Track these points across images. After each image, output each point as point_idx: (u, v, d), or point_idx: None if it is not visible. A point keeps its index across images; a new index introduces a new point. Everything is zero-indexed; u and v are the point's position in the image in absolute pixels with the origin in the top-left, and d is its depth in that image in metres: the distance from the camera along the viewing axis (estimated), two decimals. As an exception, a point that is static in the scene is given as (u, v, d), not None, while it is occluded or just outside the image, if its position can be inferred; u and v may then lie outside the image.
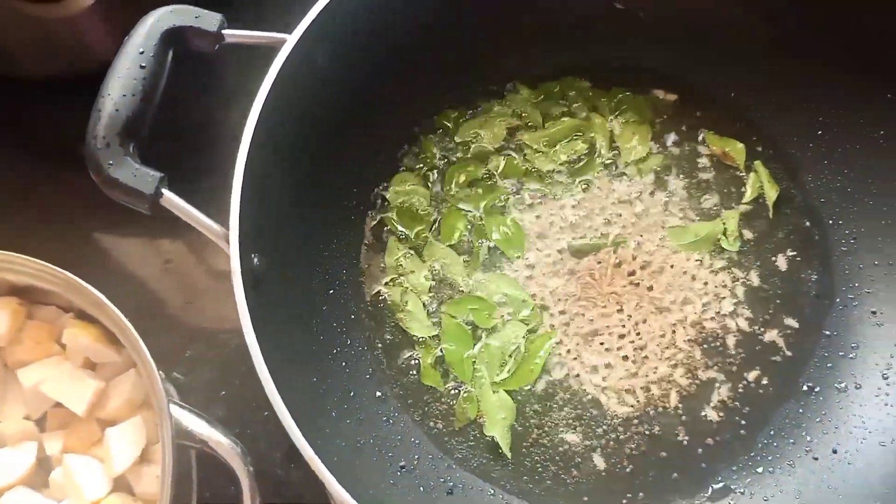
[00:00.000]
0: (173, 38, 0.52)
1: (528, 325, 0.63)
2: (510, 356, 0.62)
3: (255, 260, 0.51)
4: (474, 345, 0.63)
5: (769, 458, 0.59)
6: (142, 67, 0.50)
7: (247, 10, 0.64)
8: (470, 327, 0.63)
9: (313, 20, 0.54)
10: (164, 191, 0.49)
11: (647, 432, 0.60)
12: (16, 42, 0.71)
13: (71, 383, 0.56)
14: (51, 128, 0.76)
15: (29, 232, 0.69)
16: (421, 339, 0.63)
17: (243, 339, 0.66)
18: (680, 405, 0.61)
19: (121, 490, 0.55)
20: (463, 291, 0.64)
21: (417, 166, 0.68)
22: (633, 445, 0.60)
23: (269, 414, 0.63)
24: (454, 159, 0.68)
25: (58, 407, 0.57)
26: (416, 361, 0.63)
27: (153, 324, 0.65)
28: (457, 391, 0.62)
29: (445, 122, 0.70)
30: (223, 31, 0.53)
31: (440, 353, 0.63)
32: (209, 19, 0.52)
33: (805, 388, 0.61)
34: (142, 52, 0.50)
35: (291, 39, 0.54)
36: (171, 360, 0.64)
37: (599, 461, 0.60)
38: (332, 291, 0.62)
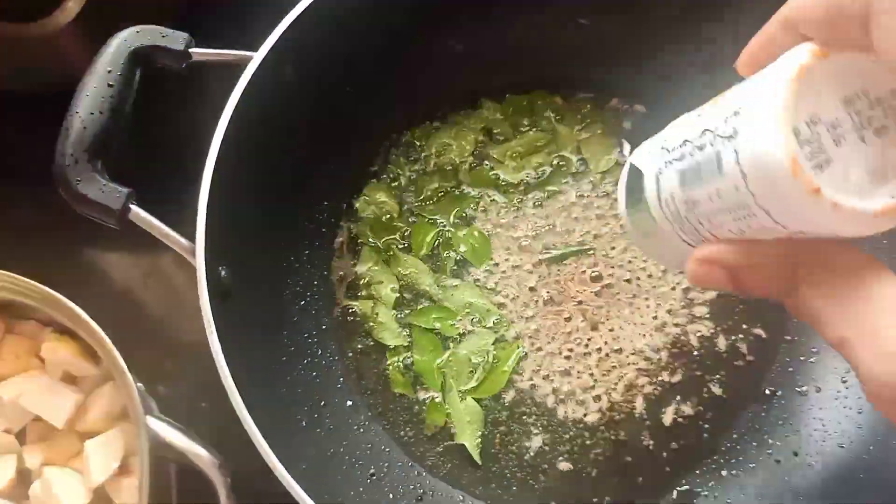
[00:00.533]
0: (140, 57, 0.53)
1: (495, 333, 0.64)
2: (478, 365, 0.63)
3: (223, 272, 0.52)
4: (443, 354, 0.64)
5: (732, 461, 0.60)
6: (109, 86, 0.51)
7: (216, 29, 0.65)
8: (439, 336, 0.64)
9: (279, 37, 0.55)
10: (132, 206, 0.50)
11: (612, 437, 0.61)
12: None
13: (50, 396, 0.57)
14: (27, 144, 0.77)
15: (7, 248, 0.68)
16: (391, 348, 0.64)
17: None
18: (644, 411, 0.62)
19: (100, 502, 0.55)
20: (434, 301, 0.65)
21: (387, 178, 0.70)
22: (598, 451, 0.61)
23: None
24: (423, 170, 0.70)
25: (37, 420, 0.58)
26: (387, 370, 0.63)
27: (133, 337, 0.64)
28: (427, 399, 0.63)
29: (415, 133, 0.71)
30: (190, 50, 0.54)
31: (409, 362, 0.63)
32: (175, 38, 0.54)
33: (767, 392, 0.62)
34: (109, 71, 0.51)
35: (258, 56, 0.55)
36: (152, 373, 0.65)
37: (565, 466, 0.61)
38: (302, 302, 0.63)
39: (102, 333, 0.54)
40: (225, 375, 0.47)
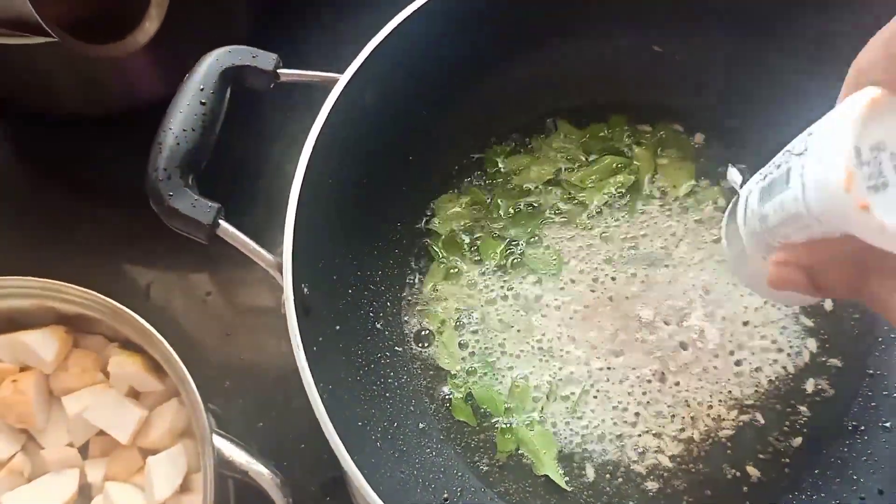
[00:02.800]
0: (231, 76, 0.54)
1: (558, 365, 0.63)
2: (541, 396, 0.62)
3: (305, 289, 0.52)
4: (500, 380, 0.63)
5: (814, 497, 0.58)
6: (202, 104, 0.52)
7: (298, 51, 0.66)
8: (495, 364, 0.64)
9: (364, 60, 0.56)
10: (221, 221, 0.50)
11: (692, 470, 0.60)
12: (64, 81, 0.74)
13: (115, 411, 0.57)
14: (95, 162, 0.79)
15: (72, 263, 0.71)
16: (453, 374, 0.63)
17: (280, 371, 0.68)
18: (726, 444, 0.60)
19: None
20: (502, 321, 0.65)
21: (462, 197, 0.70)
22: (677, 483, 0.60)
23: (306, 446, 0.65)
24: (499, 190, 0.70)
25: (101, 434, 0.58)
26: (450, 396, 0.63)
27: (192, 355, 0.64)
28: (495, 424, 0.62)
29: (491, 154, 0.71)
30: (278, 71, 0.55)
31: (471, 389, 0.63)
32: (266, 59, 0.54)
33: (850, 427, 0.60)
34: (202, 89, 0.52)
35: (343, 78, 0.56)
36: (210, 391, 0.63)
37: (648, 499, 0.59)
38: (377, 323, 0.63)
39: (170, 349, 0.55)
40: (312, 392, 0.46)
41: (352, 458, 0.45)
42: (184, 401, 0.56)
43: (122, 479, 0.57)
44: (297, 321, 0.49)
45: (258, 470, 0.54)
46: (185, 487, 0.56)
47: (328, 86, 0.56)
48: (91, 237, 0.75)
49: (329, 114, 0.54)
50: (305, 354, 0.47)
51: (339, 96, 0.55)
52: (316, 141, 0.53)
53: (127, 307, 0.56)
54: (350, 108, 0.56)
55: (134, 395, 0.60)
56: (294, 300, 0.49)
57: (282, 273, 0.50)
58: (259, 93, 0.56)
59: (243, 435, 0.61)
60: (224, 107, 0.53)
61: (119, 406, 0.58)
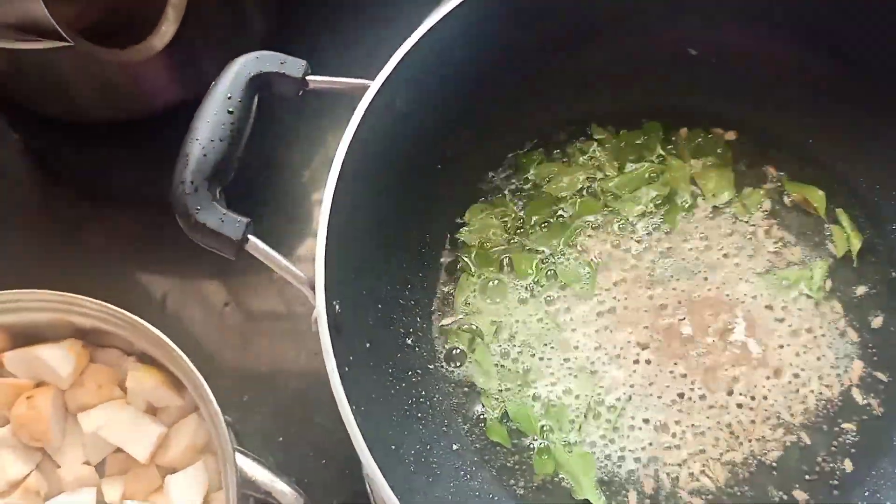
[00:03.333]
0: (259, 83, 0.51)
1: (594, 382, 0.61)
2: (579, 416, 0.60)
3: (337, 307, 0.50)
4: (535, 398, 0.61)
5: None
6: (229, 112, 0.50)
7: (327, 58, 0.64)
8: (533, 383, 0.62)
9: (395, 66, 0.54)
10: (251, 237, 0.48)
11: (737, 494, 0.58)
12: (80, 87, 0.73)
13: (132, 428, 0.56)
14: (110, 170, 0.77)
15: (87, 274, 0.70)
16: (487, 392, 0.61)
17: (300, 384, 0.67)
18: (771, 465, 0.58)
19: None
20: (536, 336, 0.63)
21: (493, 206, 0.68)
22: None
23: (327, 462, 0.64)
24: (531, 198, 0.68)
25: (118, 452, 0.56)
26: (483, 415, 0.61)
27: (210, 367, 0.63)
28: (532, 446, 0.60)
29: (523, 160, 0.69)
30: (307, 77, 0.53)
31: (506, 409, 0.61)
32: (294, 65, 0.52)
33: None
34: (229, 98, 0.50)
35: (374, 85, 0.53)
36: (228, 404, 0.62)
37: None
38: (408, 339, 0.61)
39: (189, 362, 0.53)
40: (348, 417, 0.44)
41: (390, 486, 0.43)
42: (203, 416, 0.54)
43: (140, 498, 0.56)
44: (332, 341, 0.46)
45: (281, 489, 0.53)
46: None
47: (356, 93, 0.53)
48: (106, 247, 0.74)
49: (360, 123, 0.52)
50: (340, 377, 0.45)
51: (370, 103, 0.53)
52: (347, 151, 0.51)
53: (143, 319, 0.54)
54: (381, 115, 0.54)
55: (152, 410, 0.58)
56: (327, 318, 0.47)
57: (313, 290, 0.47)
58: (290, 101, 0.54)
59: (262, 450, 0.61)
60: (252, 116, 0.51)
61: (137, 422, 0.56)
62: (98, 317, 0.56)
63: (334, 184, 0.50)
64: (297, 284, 0.49)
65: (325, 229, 0.48)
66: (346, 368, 0.49)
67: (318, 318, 0.47)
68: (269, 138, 0.63)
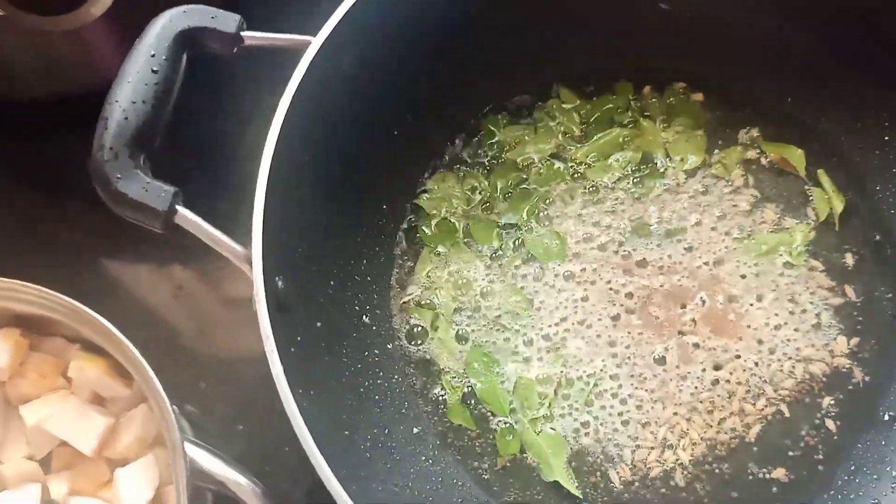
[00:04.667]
0: (187, 40, 0.48)
1: (565, 358, 0.58)
2: (553, 391, 0.57)
3: (280, 283, 0.47)
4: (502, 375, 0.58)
5: (851, 495, 0.54)
6: (153, 72, 0.46)
7: (266, 12, 0.60)
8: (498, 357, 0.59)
9: (340, 20, 0.50)
10: (179, 207, 0.44)
11: (716, 471, 0.55)
12: (16, 59, 0.67)
13: (78, 420, 0.53)
14: (55, 151, 0.73)
15: (33, 260, 0.66)
16: (447, 371, 0.58)
17: (261, 370, 0.62)
18: (749, 440, 0.56)
19: None
20: (502, 312, 0.59)
21: (456, 171, 0.64)
22: (700, 486, 0.55)
23: (290, 450, 0.61)
24: (496, 163, 0.64)
25: (63, 446, 0.54)
26: (445, 396, 0.58)
27: (164, 355, 0.61)
28: (496, 427, 0.57)
29: (490, 127, 0.65)
30: (241, 33, 0.49)
31: (469, 389, 0.58)
32: (226, 20, 0.49)
33: (886, 417, 0.56)
34: (153, 56, 0.46)
35: (316, 42, 0.50)
36: (185, 393, 0.61)
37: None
38: (364, 317, 0.58)
39: (135, 350, 0.51)
40: (287, 400, 0.41)
41: (336, 476, 0.39)
42: (152, 406, 0.52)
43: (88, 493, 0.54)
44: (271, 319, 0.43)
45: (236, 480, 0.50)
46: (157, 501, 0.53)
47: (300, 50, 0.50)
48: (50, 233, 0.69)
49: (301, 82, 0.48)
50: (280, 357, 0.41)
51: (312, 62, 0.49)
52: (287, 113, 0.47)
53: (90, 306, 0.52)
54: (326, 75, 0.51)
55: (99, 401, 0.56)
56: (266, 296, 0.43)
57: (251, 265, 0.44)
58: (222, 60, 0.50)
59: (222, 439, 0.59)
60: (180, 76, 0.47)
61: (82, 414, 0.54)
62: (39, 304, 0.54)
63: (273, 148, 0.46)
64: (233, 259, 0.45)
65: (263, 198, 0.45)
66: (293, 349, 0.46)
67: (255, 296, 0.43)
68: (203, 101, 0.59)
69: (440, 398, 0.58)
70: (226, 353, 0.65)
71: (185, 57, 0.47)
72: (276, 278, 0.46)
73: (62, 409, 0.53)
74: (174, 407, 0.58)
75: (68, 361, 0.55)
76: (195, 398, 0.62)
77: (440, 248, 0.62)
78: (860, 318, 0.58)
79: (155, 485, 0.52)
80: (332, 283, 0.56)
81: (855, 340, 0.58)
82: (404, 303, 0.60)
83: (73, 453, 0.53)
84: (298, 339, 0.48)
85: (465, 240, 0.62)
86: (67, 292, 0.52)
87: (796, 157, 0.62)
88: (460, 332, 0.59)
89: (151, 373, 0.50)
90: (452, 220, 0.62)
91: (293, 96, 0.48)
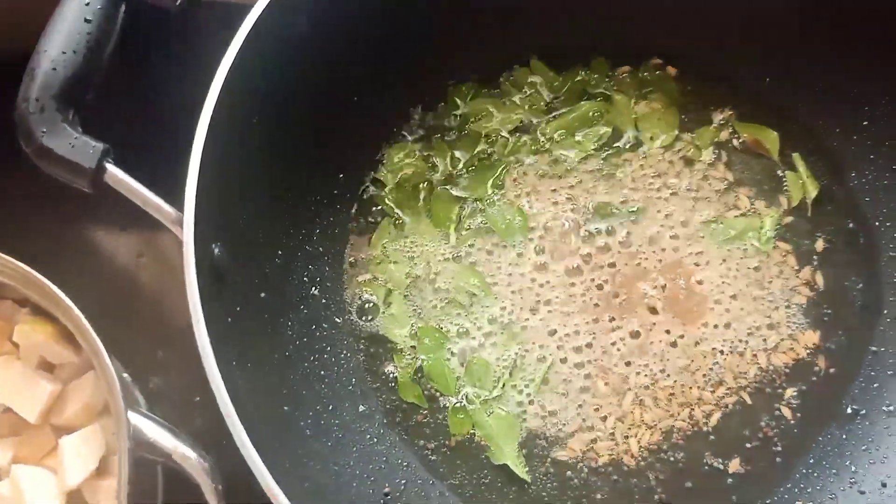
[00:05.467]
0: (125, -11, 0.45)
1: (521, 337, 0.56)
2: (503, 372, 0.55)
3: (216, 250, 0.45)
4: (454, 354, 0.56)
5: (808, 489, 0.53)
6: (87, 21, 0.43)
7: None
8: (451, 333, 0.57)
9: (293, -26, 0.48)
10: (109, 165, 0.42)
11: (671, 459, 0.54)
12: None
13: (23, 386, 0.52)
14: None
15: None
16: (399, 349, 0.57)
17: None
18: (707, 429, 0.54)
19: None
20: (458, 288, 0.58)
21: (416, 140, 0.62)
22: (653, 474, 0.53)
23: None
24: (459, 134, 0.62)
25: (7, 412, 0.53)
26: (395, 373, 0.56)
27: (122, 323, 0.60)
28: (447, 405, 0.55)
29: (455, 98, 0.63)
30: (185, -15, 0.46)
31: (420, 365, 0.56)
32: (169, -30, 0.46)
33: (849, 410, 0.55)
34: (87, 4, 0.43)
35: (265, -4, 0.47)
36: (142, 362, 0.60)
37: (620, 491, 0.53)
38: (313, 290, 0.56)
39: (82, 316, 0.49)
40: (213, 374, 0.40)
41: (262, 456, 0.37)
42: (99, 374, 0.50)
43: (32, 461, 0.52)
44: (203, 288, 0.41)
45: (184, 453, 0.49)
46: (102, 471, 0.52)
47: (249, 5, 0.47)
48: (10, 195, 0.67)
49: (248, 37, 0.46)
50: (208, 329, 0.40)
51: (262, 16, 0.47)
52: (232, 67, 0.46)
53: (48, 271, 0.50)
54: (278, 33, 0.49)
55: (48, 367, 0.54)
56: (198, 262, 0.41)
57: (183, 228, 0.41)
58: (165, 13, 0.47)
59: (179, 411, 0.58)
60: (117, 25, 0.45)
61: (27, 380, 0.53)
62: None
63: (213, 104, 0.44)
64: (165, 223, 0.44)
65: (199, 157, 0.43)
66: (229, 320, 0.44)
67: (185, 262, 0.40)
68: (145, 56, 0.56)
69: (390, 375, 0.56)
70: (186, 322, 0.63)
71: (123, 6, 0.45)
72: (213, 245, 0.44)
73: (7, 375, 0.52)
74: (126, 376, 0.57)
75: (15, 325, 0.53)
76: (154, 369, 0.61)
77: (399, 219, 0.60)
78: (827, 308, 0.57)
79: (100, 454, 0.51)
80: (279, 252, 0.54)
81: (821, 330, 0.56)
82: (357, 276, 0.58)
83: (18, 420, 0.52)
84: (238, 309, 0.46)
85: (426, 212, 0.60)
86: (18, 255, 0.51)
87: (771, 139, 0.60)
88: (413, 307, 0.57)
89: (98, 340, 0.49)
90: (412, 192, 0.60)
91: (239, 51, 0.46)
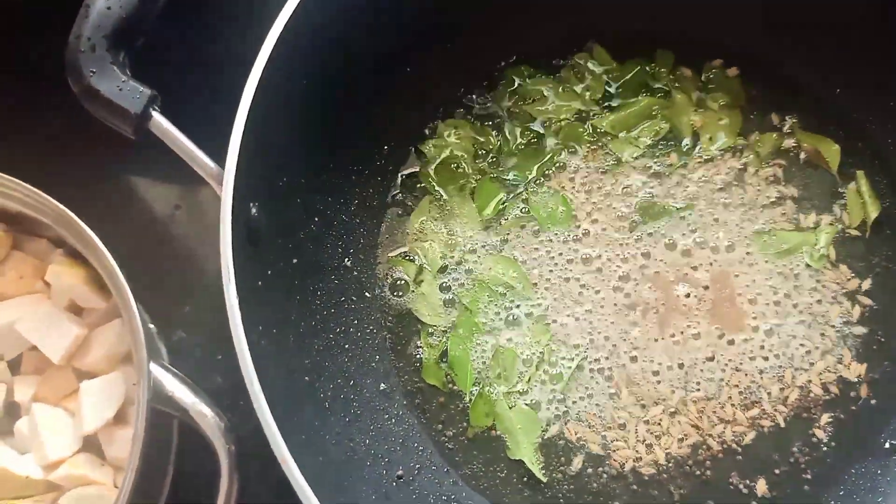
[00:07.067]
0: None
1: (553, 332, 0.54)
2: (530, 366, 0.54)
3: (254, 210, 0.44)
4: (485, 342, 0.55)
5: None
6: None
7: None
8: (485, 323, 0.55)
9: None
10: (154, 112, 0.41)
11: (695, 473, 0.52)
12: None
13: (50, 326, 0.53)
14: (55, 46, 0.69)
15: (27, 158, 0.61)
16: (429, 328, 0.55)
17: None
18: (737, 449, 0.52)
19: (90, 451, 0.51)
20: (493, 274, 0.56)
21: (466, 118, 0.61)
22: (674, 488, 0.52)
23: None
24: (511, 116, 0.60)
25: (33, 350, 0.53)
26: (419, 353, 0.55)
27: (152, 273, 0.59)
28: (473, 393, 0.54)
29: (513, 77, 0.61)
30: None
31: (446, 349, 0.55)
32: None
33: (888, 445, 0.53)
34: (147, -57, 0.42)
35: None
36: (168, 315, 0.59)
37: (638, 500, 0.52)
38: (346, 260, 0.55)
39: (114, 263, 0.49)
40: (238, 334, 0.39)
41: (276, 422, 0.37)
42: (125, 323, 0.50)
43: (52, 401, 0.53)
44: (237, 247, 0.40)
45: (201, 410, 0.48)
46: (120, 420, 0.52)
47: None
48: (46, 133, 0.67)
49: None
50: (238, 289, 0.38)
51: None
52: (287, 27, 0.44)
53: (84, 214, 0.50)
54: None
55: (77, 310, 0.55)
56: (234, 221, 0.40)
57: (222, 185, 0.40)
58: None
59: (200, 366, 0.58)
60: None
61: (55, 321, 0.53)
62: (25, 202, 0.53)
63: (264, 64, 0.43)
64: (205, 177, 0.43)
65: (246, 114, 0.42)
66: (260, 283, 0.44)
67: (222, 219, 0.40)
68: (199, 5, 0.55)
69: (415, 356, 0.55)
70: (216, 277, 0.63)
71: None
72: (251, 204, 0.43)
73: (35, 313, 0.52)
74: (152, 326, 0.56)
75: (48, 266, 0.53)
76: (179, 322, 0.60)
77: (441, 199, 0.58)
78: (876, 336, 0.54)
79: (119, 403, 0.51)
80: (315, 219, 0.53)
81: (867, 358, 0.54)
82: (391, 251, 0.57)
83: (42, 359, 0.52)
84: (269, 272, 0.45)
85: (467, 193, 0.58)
86: (60, 197, 0.50)
87: (832, 152, 0.58)
88: (446, 289, 0.56)
89: (127, 289, 0.48)
90: (458, 171, 0.59)
91: (296, 8, 0.44)
